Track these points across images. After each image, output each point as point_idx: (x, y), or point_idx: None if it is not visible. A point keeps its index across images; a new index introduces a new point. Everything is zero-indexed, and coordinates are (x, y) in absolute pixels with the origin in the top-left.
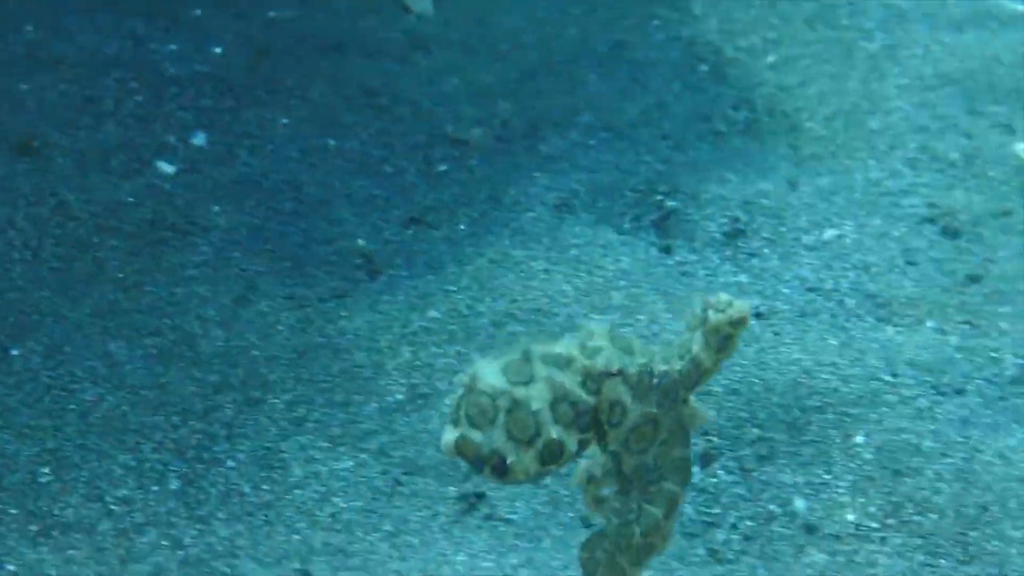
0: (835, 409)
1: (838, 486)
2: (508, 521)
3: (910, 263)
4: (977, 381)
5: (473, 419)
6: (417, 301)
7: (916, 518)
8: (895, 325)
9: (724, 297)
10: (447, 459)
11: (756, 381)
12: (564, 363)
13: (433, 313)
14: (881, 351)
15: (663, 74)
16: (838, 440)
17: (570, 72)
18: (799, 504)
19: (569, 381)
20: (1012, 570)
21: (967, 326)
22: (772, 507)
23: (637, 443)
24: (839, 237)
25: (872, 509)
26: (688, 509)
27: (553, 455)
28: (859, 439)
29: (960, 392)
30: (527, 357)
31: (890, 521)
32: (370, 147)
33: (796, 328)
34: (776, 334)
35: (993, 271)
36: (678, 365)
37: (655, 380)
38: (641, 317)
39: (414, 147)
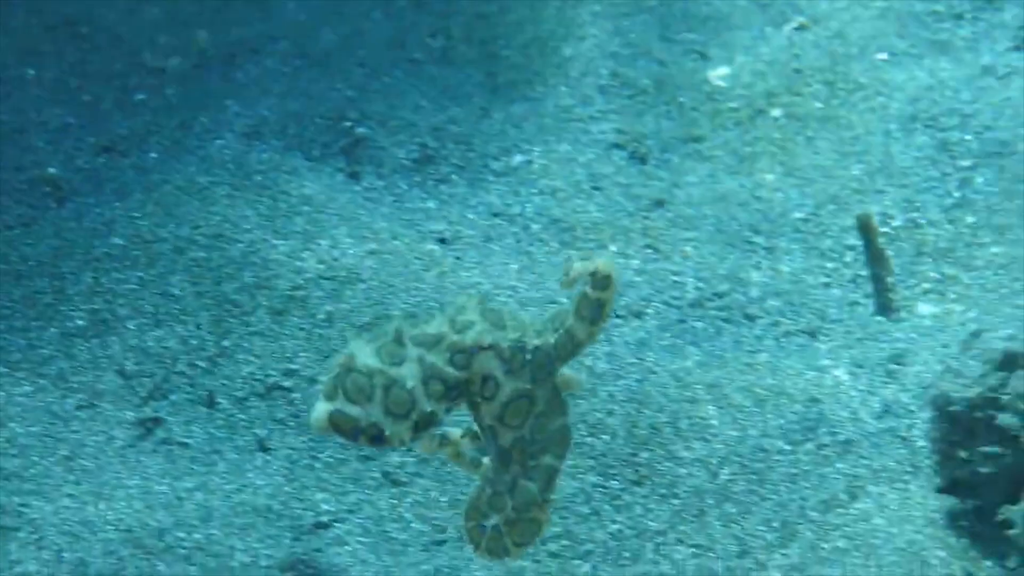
0: None
1: None
2: (184, 445)
3: (596, 188)
4: (656, 304)
5: (350, 396)
6: (102, 228)
7: (588, 440)
8: (578, 249)
9: (592, 261)
10: (314, 431)
11: (434, 306)
12: (434, 342)
13: (116, 240)
14: (553, 273)
15: (362, 2)
16: None
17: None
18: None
19: (438, 360)
20: (683, 490)
21: (650, 250)
22: None
23: (513, 417)
24: (527, 163)
25: None
26: None
27: (426, 424)
28: None
29: (638, 315)
30: (399, 339)
31: None
32: (68, 76)
33: (479, 253)
34: (458, 259)
35: (679, 196)
36: (552, 338)
37: (527, 355)
38: (322, 242)
39: (112, 76)
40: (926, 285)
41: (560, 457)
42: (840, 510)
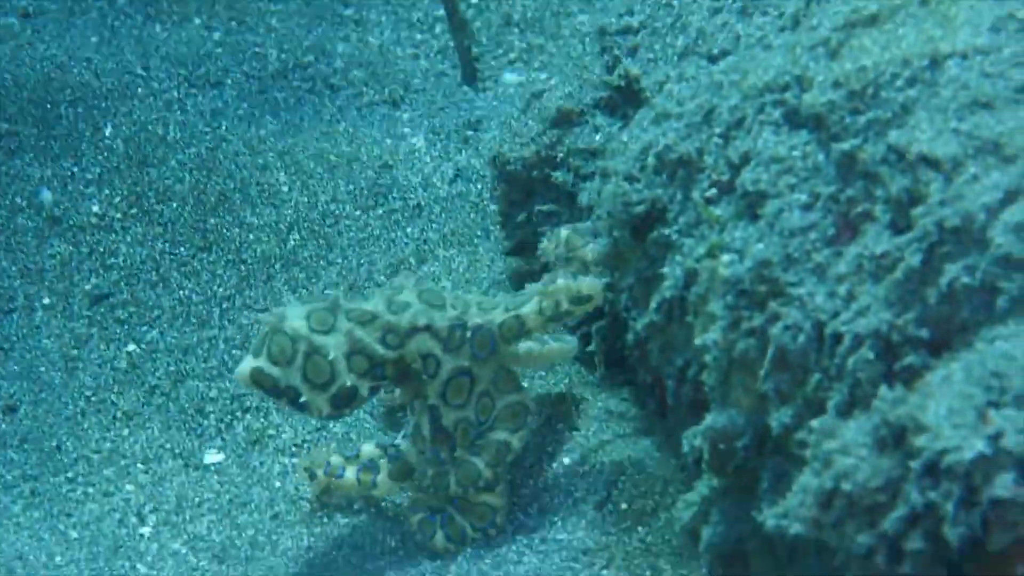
0: (87, 103)
1: (85, 178)
2: None
3: None
4: (236, 75)
5: (273, 356)
6: None
7: (158, 207)
8: (162, 22)
9: (580, 282)
10: (239, 383)
11: (8, 77)
12: (368, 319)
13: None
14: (138, 46)
15: None
16: (88, 133)
17: None
18: (46, 196)
19: (368, 337)
20: (251, 256)
21: (234, 23)
22: (18, 200)
23: (454, 396)
24: None
25: (117, 200)
26: None
27: (346, 399)
28: (108, 131)
29: (216, 85)
30: (333, 308)
31: (133, 211)
32: None
33: (60, 27)
34: (37, 32)
35: None
36: (498, 318)
37: (467, 333)
38: None
39: None
40: (512, 55)
41: (513, 432)
42: (408, 273)
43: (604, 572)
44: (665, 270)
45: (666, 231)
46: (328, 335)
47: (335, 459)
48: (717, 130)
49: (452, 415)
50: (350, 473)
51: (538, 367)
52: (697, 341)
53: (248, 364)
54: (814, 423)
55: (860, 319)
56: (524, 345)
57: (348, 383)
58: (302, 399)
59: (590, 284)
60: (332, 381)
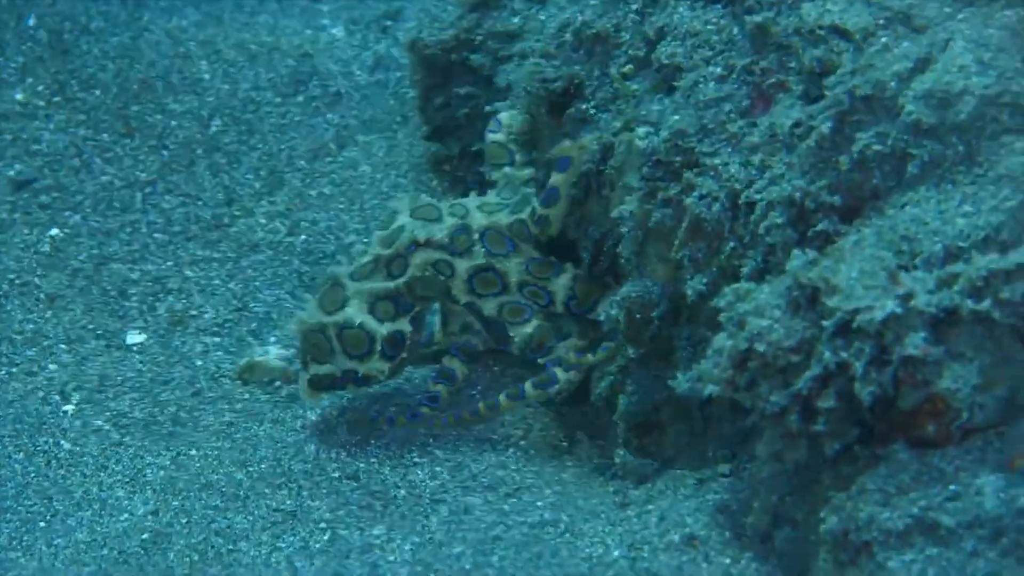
0: None
1: (9, 67)
2: None
3: None
4: None
5: (316, 357)
6: None
7: (81, 95)
8: None
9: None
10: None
11: None
12: (369, 269)
13: None
14: None
15: None
16: (12, 23)
17: None
18: None
19: (375, 285)
20: (173, 142)
21: None
22: None
23: (485, 288)
24: None
25: (40, 88)
26: None
27: (396, 346)
28: (31, 21)
29: None
30: (337, 283)
31: (56, 99)
32: None
33: None
34: None
35: None
36: (505, 220)
37: (475, 235)
38: None
39: None
40: None
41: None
42: (328, 159)
43: (522, 443)
44: None
45: (583, 106)
46: (345, 307)
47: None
48: (633, 6)
49: (492, 303)
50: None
51: None
52: (614, 213)
53: (304, 379)
54: (728, 287)
55: (773, 187)
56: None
57: (386, 332)
58: (360, 373)
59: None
60: (374, 340)
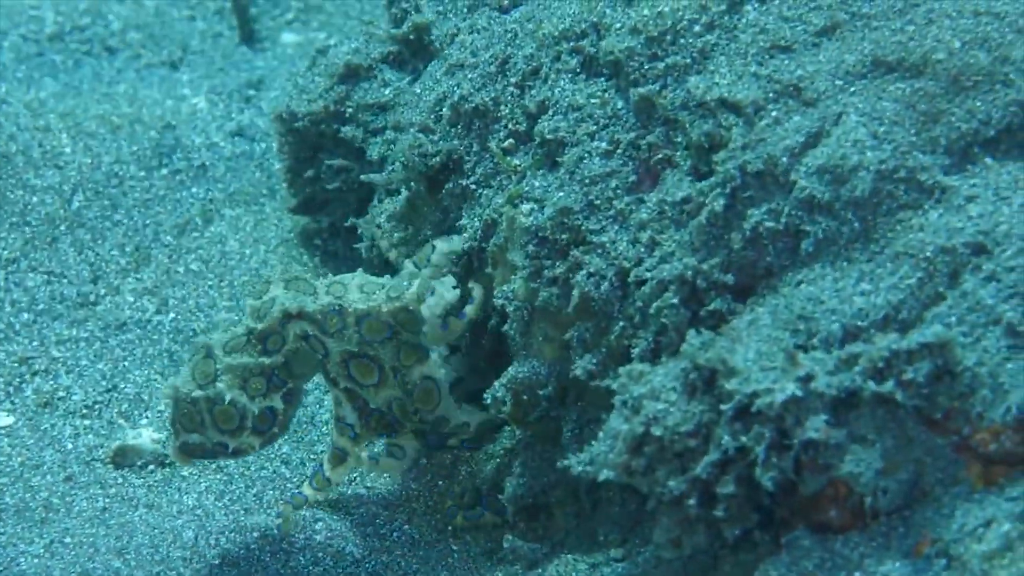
0: None
1: None
2: None
3: None
4: (13, 38)
5: (186, 426)
6: None
7: None
8: None
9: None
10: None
11: None
12: (241, 342)
13: None
14: None
15: None
16: None
17: None
18: None
19: (248, 360)
20: (35, 218)
21: None
22: None
23: (363, 377)
24: None
25: None
26: None
27: (268, 422)
28: None
29: None
30: (208, 354)
31: None
32: None
33: None
34: None
35: None
36: (386, 306)
37: (350, 319)
38: None
39: None
40: (289, 15)
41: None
42: (195, 234)
43: (406, 527)
44: (463, 222)
45: (463, 182)
46: (217, 381)
47: None
48: (512, 79)
49: (379, 395)
50: None
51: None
52: (497, 292)
53: (173, 445)
54: (621, 369)
55: (664, 265)
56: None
57: (257, 409)
58: (231, 447)
59: (454, 240)
60: (244, 417)
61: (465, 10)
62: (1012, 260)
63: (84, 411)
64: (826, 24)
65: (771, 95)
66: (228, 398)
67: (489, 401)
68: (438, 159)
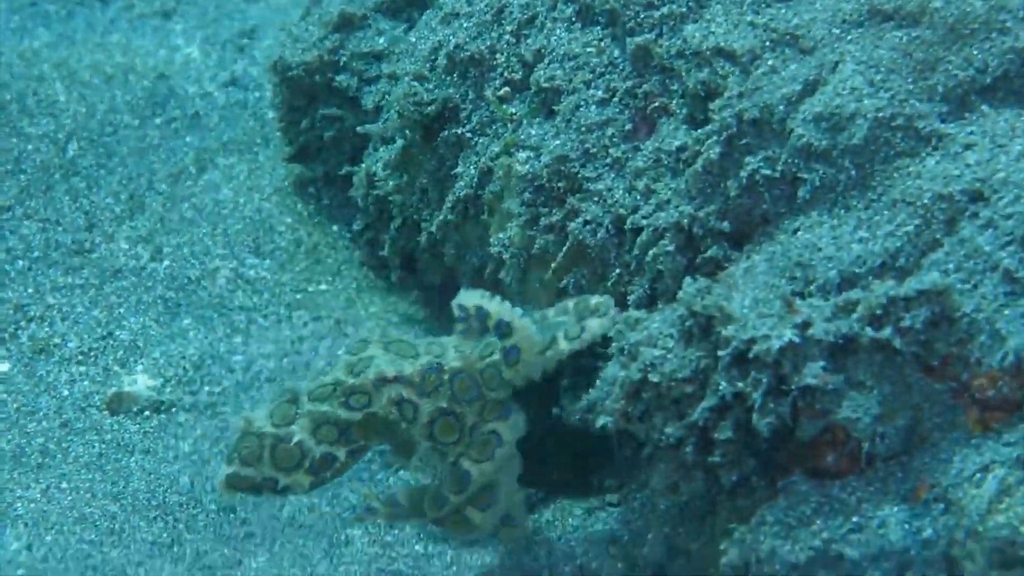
0: None
1: None
2: None
3: None
4: None
5: (244, 459)
6: None
7: None
8: None
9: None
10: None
11: None
12: (328, 393)
13: None
14: None
15: None
16: None
17: None
18: None
19: (329, 408)
20: (30, 166)
21: None
22: None
23: (444, 436)
24: None
25: None
26: None
27: (323, 466)
28: None
29: None
30: (294, 399)
31: None
32: None
33: None
34: None
35: None
36: (479, 364)
37: (445, 376)
38: None
39: None
40: None
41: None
42: (188, 182)
43: (401, 472)
44: (459, 169)
45: (458, 130)
46: (291, 424)
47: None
48: (508, 28)
49: (452, 452)
50: None
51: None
52: (494, 239)
53: (223, 472)
54: (618, 316)
55: (660, 213)
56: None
57: (319, 454)
58: (280, 484)
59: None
60: (303, 457)
61: None
62: (1009, 207)
63: (79, 358)
64: None
65: (767, 43)
66: (295, 439)
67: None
68: (433, 108)
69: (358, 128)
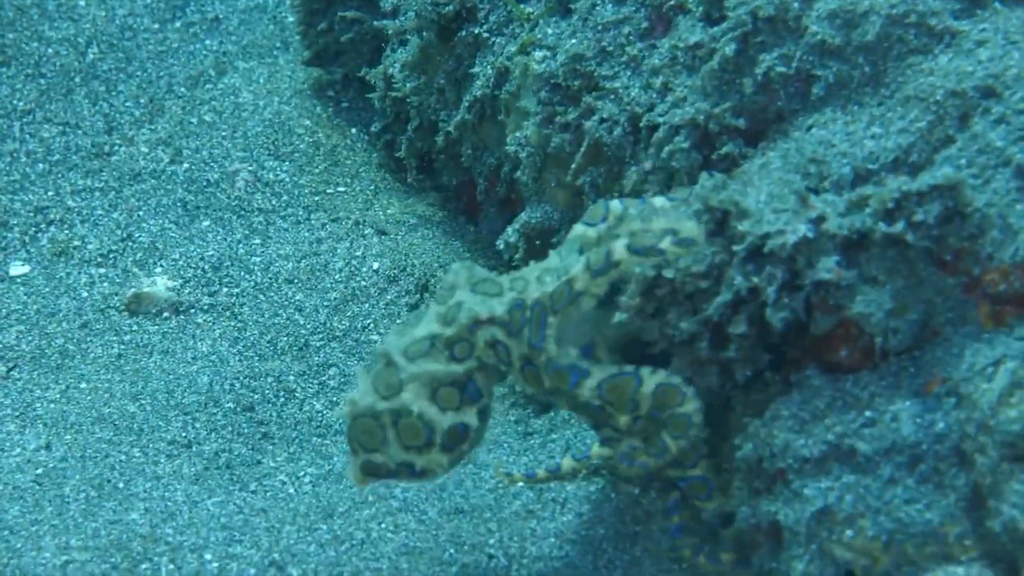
0: None
1: None
2: None
3: None
4: None
5: (366, 445)
6: None
7: None
8: None
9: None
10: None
11: None
12: (427, 349)
13: None
14: None
15: None
16: None
17: None
18: None
19: (435, 365)
20: (50, 70)
21: None
22: None
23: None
24: None
25: None
26: None
27: (459, 439)
28: None
29: None
30: (389, 361)
31: None
32: None
33: None
34: None
35: None
36: (550, 287)
37: (527, 312)
38: None
39: None
40: None
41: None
42: (208, 86)
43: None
44: (475, 70)
45: (476, 30)
46: (401, 392)
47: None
48: None
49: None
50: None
51: None
52: (510, 138)
53: (354, 465)
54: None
55: (676, 110)
56: None
57: (447, 424)
58: (417, 467)
59: (689, 226)
60: (433, 432)
61: None
62: (1022, 103)
63: (99, 260)
64: None
65: None
66: (416, 411)
67: (502, 247)
68: (451, 7)
69: (375, 22)
